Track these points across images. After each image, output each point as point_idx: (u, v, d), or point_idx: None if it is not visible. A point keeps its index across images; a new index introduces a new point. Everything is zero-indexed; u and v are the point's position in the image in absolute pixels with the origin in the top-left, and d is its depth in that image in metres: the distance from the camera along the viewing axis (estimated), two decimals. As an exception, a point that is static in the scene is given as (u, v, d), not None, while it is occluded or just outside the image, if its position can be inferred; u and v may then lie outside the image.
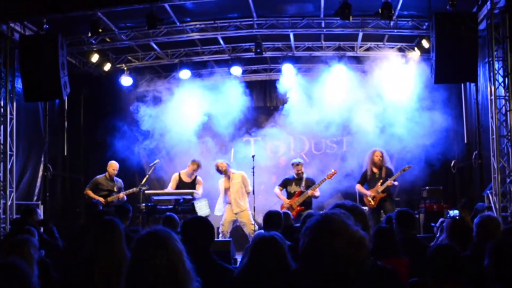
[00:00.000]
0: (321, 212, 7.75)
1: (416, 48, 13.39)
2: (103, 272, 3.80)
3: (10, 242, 4.86)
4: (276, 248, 3.93)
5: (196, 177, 11.98)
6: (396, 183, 11.12)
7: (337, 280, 2.19)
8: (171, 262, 2.63)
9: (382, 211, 11.10)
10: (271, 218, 6.69)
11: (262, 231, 4.34)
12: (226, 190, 11.83)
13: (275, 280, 3.84)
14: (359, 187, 11.48)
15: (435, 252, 4.24)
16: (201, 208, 10.69)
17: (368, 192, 11.17)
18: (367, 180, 11.40)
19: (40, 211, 8.98)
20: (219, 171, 11.85)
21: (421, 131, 13.04)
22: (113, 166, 12.04)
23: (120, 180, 12.13)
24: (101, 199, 11.50)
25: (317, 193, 11.35)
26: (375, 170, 11.28)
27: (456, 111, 13.21)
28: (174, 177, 12.02)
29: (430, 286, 4.09)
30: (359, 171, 12.68)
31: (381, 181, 11.08)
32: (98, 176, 12.02)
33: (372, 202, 11.03)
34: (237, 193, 11.67)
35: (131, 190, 11.78)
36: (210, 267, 4.28)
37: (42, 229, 8.14)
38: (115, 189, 11.86)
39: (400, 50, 13.93)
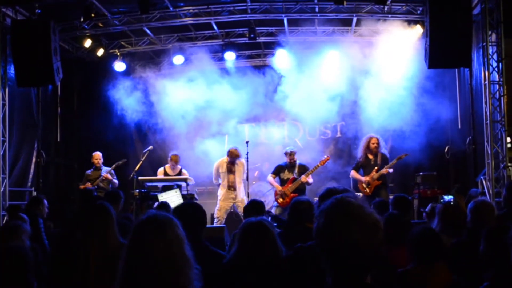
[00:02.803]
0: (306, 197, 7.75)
1: (410, 33, 13.32)
2: (96, 257, 3.78)
3: (3, 227, 4.86)
4: (265, 233, 3.92)
5: (181, 169, 12.03)
6: (391, 170, 11.04)
7: (351, 266, 2.17)
8: (168, 248, 2.59)
9: (377, 198, 11.06)
10: (252, 207, 6.65)
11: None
12: (228, 174, 11.78)
13: (266, 266, 3.84)
14: (353, 173, 11.39)
15: (414, 238, 4.13)
16: (170, 200, 9.80)
17: (363, 178, 11.09)
18: (362, 166, 11.36)
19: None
20: (233, 157, 11.74)
21: (414, 116, 13.02)
22: (96, 156, 12.11)
23: (108, 168, 12.12)
24: (89, 185, 11.61)
25: (310, 180, 11.27)
26: (370, 156, 11.20)
27: (450, 97, 13.20)
28: (160, 172, 12.07)
29: (415, 274, 4.00)
30: (353, 156, 12.72)
31: (376, 168, 11.03)
32: (87, 171, 12.13)
33: (367, 190, 10.99)
34: (239, 180, 11.66)
35: (112, 167, 11.84)
36: (202, 252, 4.27)
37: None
38: (101, 174, 11.93)
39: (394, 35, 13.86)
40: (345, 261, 2.16)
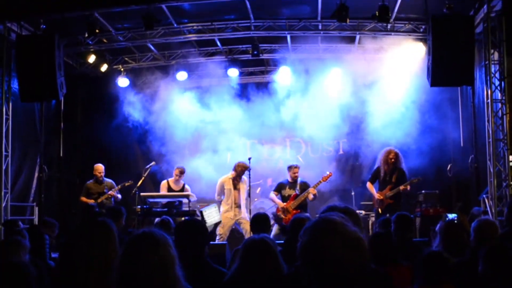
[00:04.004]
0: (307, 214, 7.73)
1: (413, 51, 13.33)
2: (96, 273, 3.76)
3: (2, 243, 4.84)
4: (267, 250, 3.89)
5: (184, 185, 12.02)
6: (408, 187, 10.87)
7: (335, 282, 2.18)
8: (160, 265, 2.61)
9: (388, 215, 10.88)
10: (259, 221, 6.64)
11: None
12: (234, 190, 11.62)
13: (267, 284, 3.81)
14: (369, 186, 11.25)
15: (425, 260, 4.15)
16: (211, 216, 10.43)
17: (377, 196, 10.99)
18: (377, 178, 11.23)
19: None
20: (242, 170, 11.57)
21: (417, 135, 12.99)
22: (98, 169, 12.16)
23: (110, 180, 12.17)
24: (92, 201, 11.63)
25: (311, 196, 11.16)
26: (386, 171, 11.05)
27: (452, 115, 13.18)
28: (163, 184, 12.03)
29: None
30: (355, 173, 12.66)
31: (390, 186, 10.93)
32: (87, 182, 12.19)
33: (379, 209, 10.89)
34: (243, 198, 11.60)
35: (118, 187, 11.90)
36: (203, 270, 4.25)
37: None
38: (105, 190, 11.94)
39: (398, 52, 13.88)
40: (328, 276, 2.20)
